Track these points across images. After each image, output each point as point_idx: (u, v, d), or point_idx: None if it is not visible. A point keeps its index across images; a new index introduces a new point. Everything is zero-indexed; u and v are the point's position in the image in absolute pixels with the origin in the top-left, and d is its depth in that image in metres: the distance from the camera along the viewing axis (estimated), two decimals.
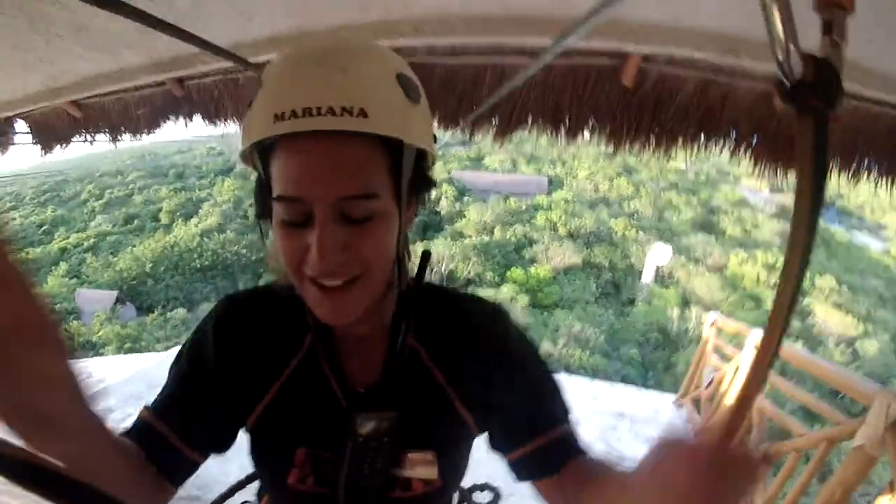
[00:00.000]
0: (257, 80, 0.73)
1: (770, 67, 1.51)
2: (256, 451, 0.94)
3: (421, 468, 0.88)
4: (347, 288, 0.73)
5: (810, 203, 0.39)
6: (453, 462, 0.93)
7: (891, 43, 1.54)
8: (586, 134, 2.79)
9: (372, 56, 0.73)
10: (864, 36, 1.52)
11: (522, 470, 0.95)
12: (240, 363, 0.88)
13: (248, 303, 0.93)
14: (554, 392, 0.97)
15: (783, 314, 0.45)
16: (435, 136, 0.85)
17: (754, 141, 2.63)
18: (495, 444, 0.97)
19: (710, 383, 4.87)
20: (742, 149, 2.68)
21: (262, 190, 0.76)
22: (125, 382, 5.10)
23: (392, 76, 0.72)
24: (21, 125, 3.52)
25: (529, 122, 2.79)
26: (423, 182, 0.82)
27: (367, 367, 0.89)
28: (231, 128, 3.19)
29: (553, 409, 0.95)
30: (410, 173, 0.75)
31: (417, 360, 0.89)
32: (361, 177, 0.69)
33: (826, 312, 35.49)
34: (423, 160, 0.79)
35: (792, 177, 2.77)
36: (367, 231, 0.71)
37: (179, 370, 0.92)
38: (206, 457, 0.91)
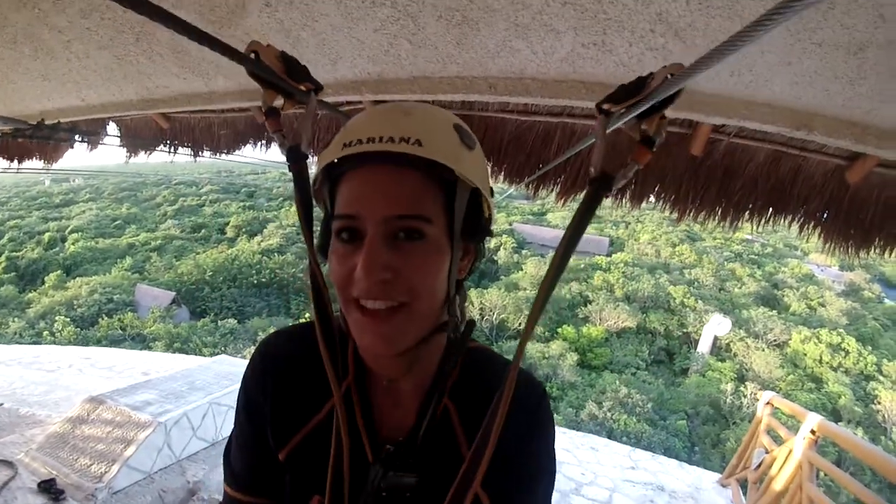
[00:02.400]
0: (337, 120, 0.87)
1: (843, 143, 1.50)
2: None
3: None
4: (390, 315, 0.74)
5: (570, 239, 0.69)
6: None
7: None
8: (651, 199, 2.78)
9: (433, 109, 0.82)
10: None
11: None
12: (280, 399, 0.90)
13: (291, 341, 0.96)
14: (548, 501, 0.94)
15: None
16: (491, 190, 0.88)
17: (824, 216, 2.56)
18: None
19: (759, 465, 4.60)
20: (811, 224, 2.61)
21: (327, 222, 0.81)
22: (168, 379, 5.29)
23: (449, 125, 0.79)
24: (112, 128, 3.85)
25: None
26: (479, 227, 0.83)
27: (398, 420, 0.88)
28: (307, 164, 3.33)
29: None
30: (464, 211, 0.79)
31: (447, 420, 0.88)
32: (413, 200, 0.73)
33: (892, 399, 32.88)
34: (478, 203, 0.81)
35: (862, 255, 2.66)
36: (415, 256, 0.74)
37: (239, 422, 0.97)
38: None
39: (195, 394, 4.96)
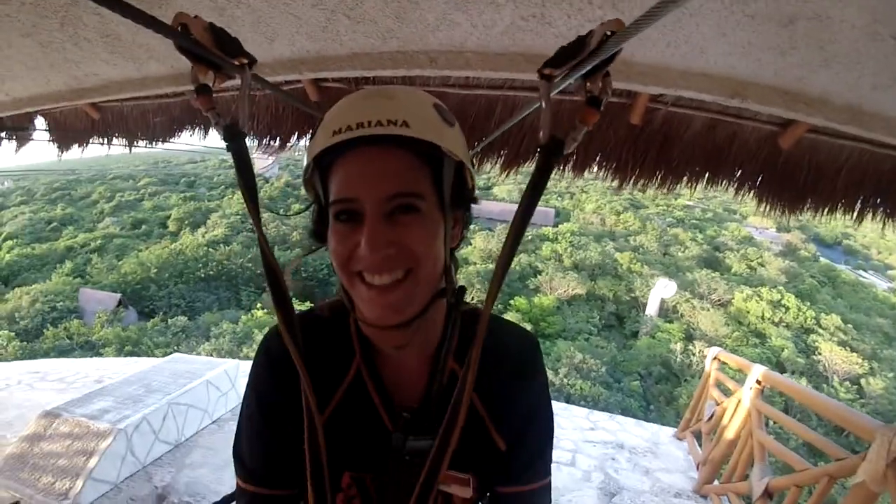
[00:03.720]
0: (320, 112, 0.90)
1: (776, 110, 1.56)
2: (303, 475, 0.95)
3: (457, 486, 0.93)
4: (396, 286, 0.80)
5: (525, 208, 0.71)
6: (486, 478, 0.98)
7: (892, 89, 1.58)
8: (594, 168, 2.84)
9: (413, 91, 0.86)
10: (868, 82, 1.57)
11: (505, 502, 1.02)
12: (294, 392, 0.91)
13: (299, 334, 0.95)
14: (551, 438, 1.05)
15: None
16: (472, 160, 0.95)
17: (759, 180, 2.67)
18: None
19: (711, 416, 4.84)
20: (746, 188, 2.72)
21: (321, 210, 0.87)
22: (123, 384, 5.12)
23: (430, 104, 0.84)
24: (41, 122, 3.61)
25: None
26: (465, 196, 0.90)
27: (411, 389, 0.94)
28: (246, 143, 3.24)
29: (550, 458, 1.05)
30: (451, 183, 0.85)
31: (456, 382, 0.91)
32: (406, 178, 0.78)
33: (831, 350, 35.19)
34: (462, 175, 0.87)
35: (796, 216, 2.81)
36: (413, 228, 0.80)
37: (250, 419, 0.98)
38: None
39: (152, 396, 4.83)
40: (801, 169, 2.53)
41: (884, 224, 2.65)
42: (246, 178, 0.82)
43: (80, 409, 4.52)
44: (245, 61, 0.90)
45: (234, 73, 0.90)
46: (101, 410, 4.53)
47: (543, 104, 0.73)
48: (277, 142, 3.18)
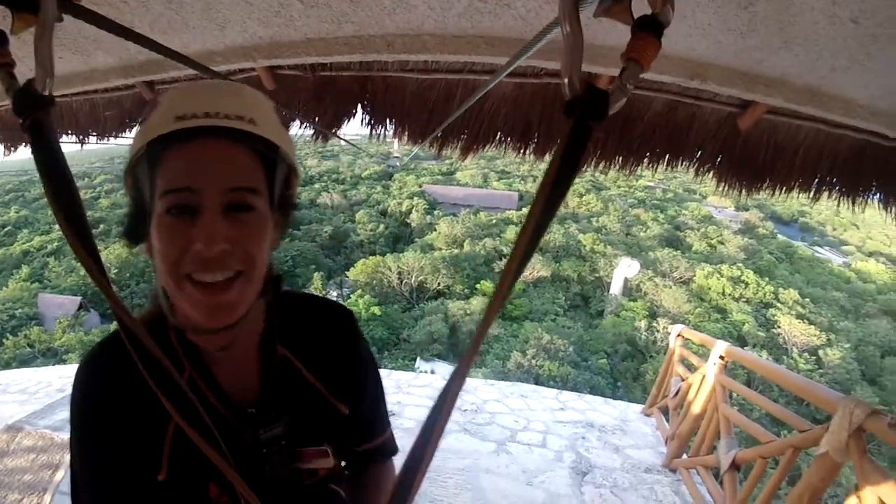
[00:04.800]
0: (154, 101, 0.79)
1: (735, 91, 1.57)
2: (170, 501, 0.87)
3: (319, 460, 0.95)
4: (228, 285, 0.76)
5: (550, 196, 0.44)
6: (341, 445, 1.02)
7: (850, 71, 1.60)
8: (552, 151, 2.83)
9: (257, 92, 0.85)
10: (827, 63, 1.59)
11: (360, 461, 1.13)
12: (129, 423, 0.83)
13: (111, 358, 0.86)
14: (384, 393, 1.17)
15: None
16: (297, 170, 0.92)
17: (718, 161, 2.71)
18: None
19: (677, 392, 4.94)
20: (706, 168, 2.75)
21: (140, 207, 0.79)
22: None
23: (272, 107, 0.84)
24: None
25: (498, 138, 2.81)
26: (291, 202, 0.90)
27: (247, 385, 0.92)
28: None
29: (386, 412, 1.19)
30: (282, 186, 0.84)
31: (290, 365, 0.95)
32: (247, 173, 0.76)
33: (790, 323, 36.60)
34: (290, 180, 0.87)
35: (754, 195, 2.86)
36: (249, 227, 0.77)
37: (91, 471, 0.87)
38: None
39: None
40: (759, 149, 2.57)
41: (839, 202, 2.72)
42: (50, 159, 0.61)
43: (43, 421, 4.41)
44: None
45: (32, 8, 0.67)
46: (65, 421, 4.33)
47: (567, 29, 0.46)
48: None
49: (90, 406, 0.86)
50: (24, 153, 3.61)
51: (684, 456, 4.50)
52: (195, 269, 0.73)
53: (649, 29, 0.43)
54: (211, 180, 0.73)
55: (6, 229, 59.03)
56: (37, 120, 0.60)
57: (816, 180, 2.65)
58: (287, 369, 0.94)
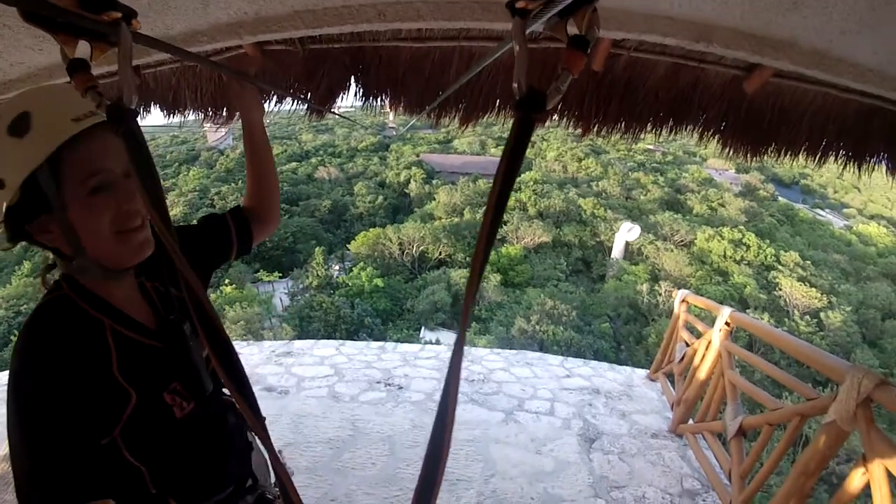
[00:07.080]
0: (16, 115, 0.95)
1: (741, 54, 1.50)
2: (140, 424, 1.03)
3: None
4: (143, 225, 1.05)
5: (501, 187, 0.52)
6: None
7: (860, 35, 1.54)
8: (554, 117, 2.77)
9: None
10: (837, 27, 1.52)
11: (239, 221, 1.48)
12: (82, 365, 0.97)
13: (49, 323, 1.01)
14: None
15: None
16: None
17: (723, 125, 2.65)
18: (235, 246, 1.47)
19: (682, 358, 4.95)
20: (711, 132, 2.69)
21: (40, 204, 0.96)
22: None
23: None
24: None
25: (497, 106, 2.75)
26: None
27: (144, 306, 1.16)
28: (190, 116, 3.08)
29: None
30: None
31: (158, 290, 1.21)
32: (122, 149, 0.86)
33: (791, 286, 36.60)
34: None
35: (758, 158, 2.80)
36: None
37: (53, 433, 0.93)
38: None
39: None
40: (765, 113, 2.51)
41: (845, 167, 2.67)
42: (143, 170, 0.69)
43: None
44: (117, 15, 0.72)
45: (109, 36, 0.74)
46: None
47: (517, 47, 0.59)
48: (225, 112, 3.02)
49: (48, 358, 0.96)
50: None
51: (690, 421, 4.53)
52: (125, 222, 1.01)
53: (578, 46, 0.54)
54: (116, 160, 1.00)
55: None
56: (129, 129, 0.71)
57: (823, 144, 2.60)
58: (160, 294, 1.20)
